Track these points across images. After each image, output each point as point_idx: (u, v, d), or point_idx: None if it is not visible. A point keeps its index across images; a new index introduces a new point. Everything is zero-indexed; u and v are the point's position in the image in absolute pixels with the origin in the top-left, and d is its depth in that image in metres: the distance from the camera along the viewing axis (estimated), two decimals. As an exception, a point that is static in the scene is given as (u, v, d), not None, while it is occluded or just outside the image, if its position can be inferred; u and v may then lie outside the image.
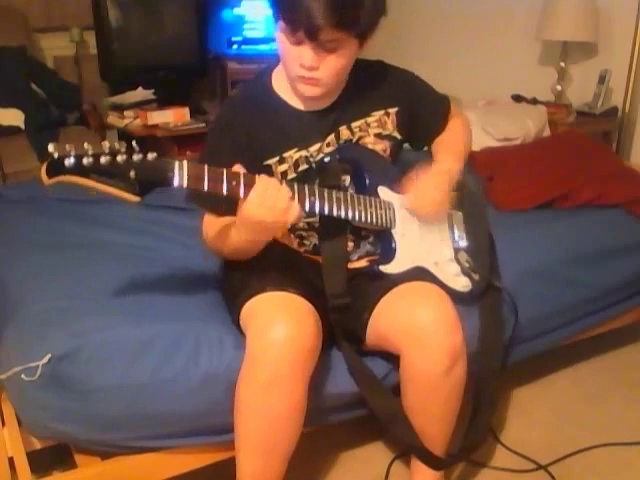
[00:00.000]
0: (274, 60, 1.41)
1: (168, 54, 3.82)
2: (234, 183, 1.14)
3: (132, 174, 1.04)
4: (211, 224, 1.35)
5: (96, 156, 1.01)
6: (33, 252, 1.62)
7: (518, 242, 1.77)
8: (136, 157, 1.04)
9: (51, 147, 1.00)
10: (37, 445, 1.36)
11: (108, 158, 1.02)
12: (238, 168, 1.17)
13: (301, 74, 1.25)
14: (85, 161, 1.00)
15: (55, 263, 1.55)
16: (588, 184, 2.04)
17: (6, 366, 1.24)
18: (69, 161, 1.00)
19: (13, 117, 2.99)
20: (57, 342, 1.24)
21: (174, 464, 1.37)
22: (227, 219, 1.30)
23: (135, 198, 1.05)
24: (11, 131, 2.94)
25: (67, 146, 1.00)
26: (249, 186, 1.15)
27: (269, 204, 1.15)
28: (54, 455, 1.41)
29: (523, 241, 1.80)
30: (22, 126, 2.97)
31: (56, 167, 1.00)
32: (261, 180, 1.16)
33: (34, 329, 1.31)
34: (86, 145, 1.01)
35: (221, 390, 1.28)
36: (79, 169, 1.01)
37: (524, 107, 2.87)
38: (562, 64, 2.93)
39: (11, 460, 1.36)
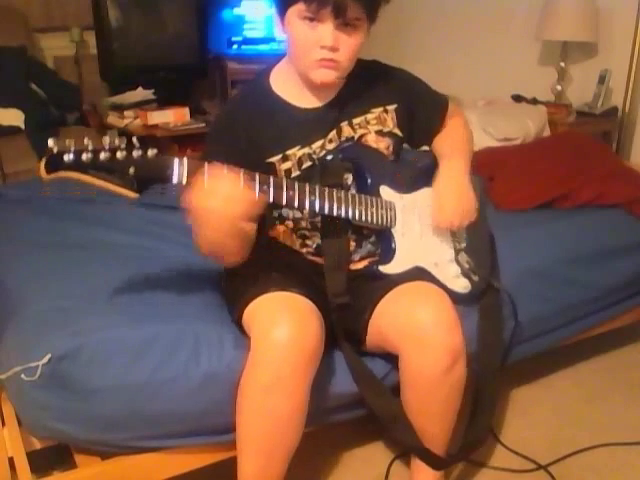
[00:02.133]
0: (273, 60, 1.41)
1: (168, 54, 3.82)
2: None
3: (131, 170, 1.04)
4: None
5: (95, 152, 1.02)
6: (33, 252, 1.62)
7: (518, 242, 1.77)
8: (136, 153, 1.04)
9: (51, 142, 1.00)
10: (37, 445, 1.36)
11: (107, 154, 1.02)
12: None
13: (321, 57, 1.25)
14: (84, 157, 1.00)
15: (55, 263, 1.55)
16: (588, 184, 2.04)
17: (6, 366, 1.24)
18: (68, 156, 1.00)
19: (13, 117, 2.99)
20: (57, 342, 1.24)
21: (174, 464, 1.37)
22: None
23: (133, 194, 1.05)
24: (11, 131, 2.94)
25: (67, 141, 1.01)
26: (247, 181, 1.15)
27: (217, 190, 1.09)
28: (54, 455, 1.41)
29: (523, 241, 1.80)
30: (22, 126, 2.97)
31: (55, 162, 1.00)
32: (206, 167, 1.11)
33: (34, 329, 1.30)
34: (86, 140, 1.01)
35: (221, 390, 1.28)
36: (78, 165, 1.01)
37: (524, 107, 2.87)
38: (562, 64, 2.94)
39: (11, 460, 1.36)
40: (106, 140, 1.03)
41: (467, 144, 1.53)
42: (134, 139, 1.06)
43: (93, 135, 3.16)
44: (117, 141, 1.03)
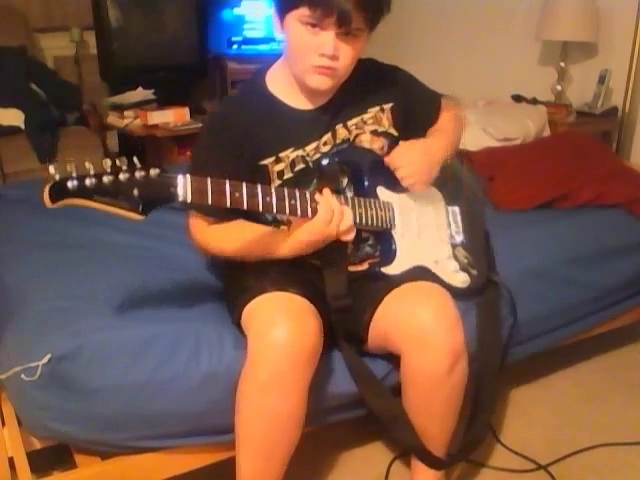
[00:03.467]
0: (272, 60, 1.41)
1: (168, 54, 3.82)
2: (237, 195, 1.13)
3: (135, 192, 1.02)
4: (222, 230, 1.33)
5: (98, 176, 1.00)
6: (33, 252, 1.62)
7: (518, 242, 1.77)
8: (138, 174, 1.02)
9: (52, 169, 0.98)
10: (37, 445, 1.36)
11: (110, 177, 1.00)
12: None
13: (320, 64, 1.25)
14: (88, 182, 0.99)
15: (55, 263, 1.55)
16: (588, 184, 2.04)
17: (6, 366, 1.24)
18: (72, 183, 0.98)
19: (13, 117, 2.99)
20: (57, 342, 1.24)
21: (174, 464, 1.37)
22: (247, 227, 1.32)
23: (139, 217, 1.04)
24: (11, 131, 2.94)
25: (68, 167, 0.98)
26: (252, 197, 1.15)
27: (336, 222, 1.21)
28: (54, 455, 1.41)
29: (523, 241, 1.80)
30: (22, 126, 2.97)
31: (59, 190, 0.98)
32: (325, 199, 1.22)
33: (34, 329, 1.30)
34: (87, 164, 0.99)
35: (221, 390, 1.28)
36: (82, 191, 0.99)
37: (524, 107, 2.87)
38: (562, 64, 2.94)
39: (11, 460, 1.36)
40: (107, 162, 1.01)
41: (450, 125, 1.53)
42: (135, 159, 1.04)
43: (93, 140, 3.16)
44: (118, 162, 1.02)
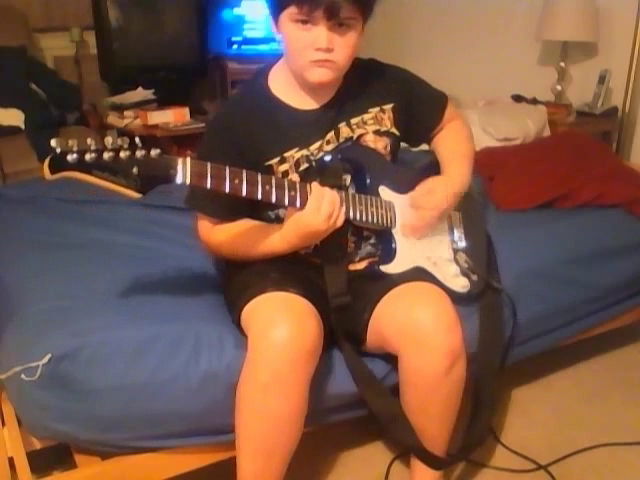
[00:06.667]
0: (272, 61, 1.41)
1: (168, 54, 3.82)
2: (236, 181, 1.14)
3: (135, 170, 1.03)
4: (225, 229, 1.36)
5: (99, 152, 1.01)
6: (33, 252, 1.62)
7: (518, 242, 1.77)
8: (139, 153, 1.03)
9: (54, 142, 1.00)
10: (37, 445, 1.36)
11: (111, 154, 1.01)
12: None
13: (317, 58, 1.25)
14: (88, 157, 1.00)
15: (55, 263, 1.55)
16: (588, 184, 2.04)
17: (6, 366, 1.24)
18: (72, 156, 0.99)
19: (13, 117, 2.99)
20: (57, 342, 1.24)
21: (174, 464, 1.37)
22: (249, 223, 1.33)
23: (137, 195, 1.05)
24: (11, 131, 2.94)
25: (70, 141, 1.00)
26: (252, 184, 1.15)
27: (327, 211, 1.21)
28: (54, 455, 1.41)
29: (523, 241, 1.80)
30: (22, 126, 2.97)
31: (59, 162, 1.00)
32: (316, 187, 1.22)
33: (34, 329, 1.31)
34: (89, 140, 1.01)
35: (221, 390, 1.28)
36: (82, 164, 1.00)
37: (524, 107, 2.87)
38: (562, 64, 2.94)
39: (11, 460, 1.36)
40: (109, 140, 1.02)
41: (470, 149, 1.54)
42: (137, 139, 1.05)
43: (95, 135, 3.17)
44: (120, 141, 1.03)
